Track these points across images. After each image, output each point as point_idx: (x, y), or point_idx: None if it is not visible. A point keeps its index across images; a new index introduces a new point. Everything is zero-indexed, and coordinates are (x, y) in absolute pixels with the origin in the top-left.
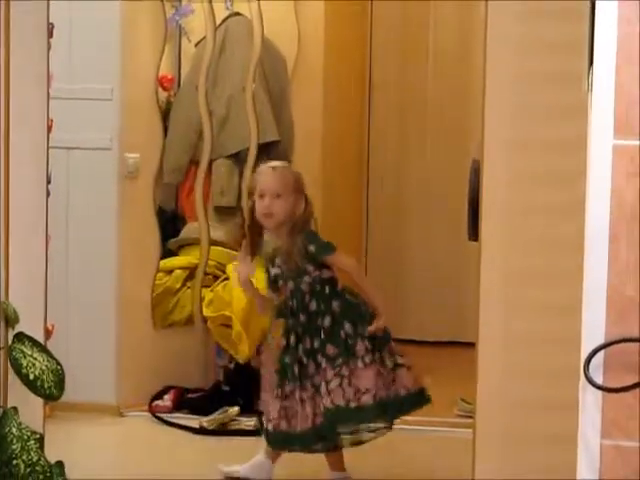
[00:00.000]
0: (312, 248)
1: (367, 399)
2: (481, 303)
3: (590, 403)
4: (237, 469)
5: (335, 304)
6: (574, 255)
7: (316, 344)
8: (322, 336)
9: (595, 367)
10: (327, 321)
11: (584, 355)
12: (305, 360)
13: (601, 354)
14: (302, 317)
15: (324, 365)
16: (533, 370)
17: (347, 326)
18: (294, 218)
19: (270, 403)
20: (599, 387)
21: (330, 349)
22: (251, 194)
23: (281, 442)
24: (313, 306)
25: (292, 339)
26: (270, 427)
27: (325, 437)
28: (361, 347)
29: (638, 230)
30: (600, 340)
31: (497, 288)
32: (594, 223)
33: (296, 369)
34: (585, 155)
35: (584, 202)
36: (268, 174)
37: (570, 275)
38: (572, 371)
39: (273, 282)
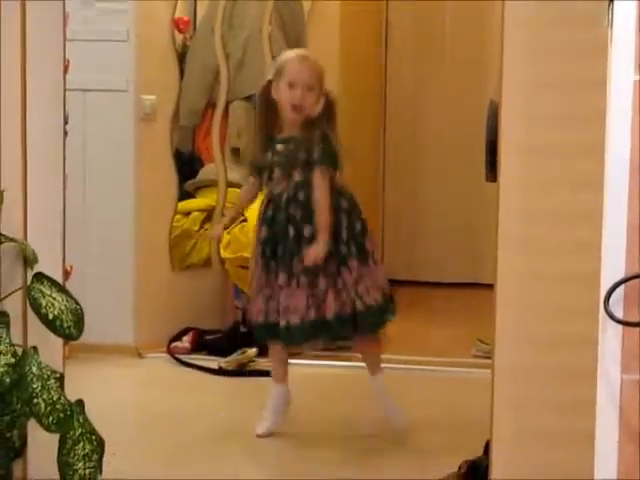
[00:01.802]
0: (316, 152)
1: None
2: (499, 243)
3: (610, 338)
4: (267, 425)
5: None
6: (593, 193)
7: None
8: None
9: (615, 302)
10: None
11: (604, 290)
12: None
13: (621, 289)
14: (294, 209)
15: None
16: (552, 308)
17: (344, 222)
18: (314, 113)
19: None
20: (619, 321)
21: (343, 249)
22: (271, 80)
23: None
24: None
25: (291, 230)
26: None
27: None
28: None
29: None
30: (620, 275)
31: (515, 228)
32: (614, 159)
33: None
34: (605, 94)
35: (604, 142)
36: (300, 63)
37: (589, 214)
38: (592, 308)
39: (282, 168)
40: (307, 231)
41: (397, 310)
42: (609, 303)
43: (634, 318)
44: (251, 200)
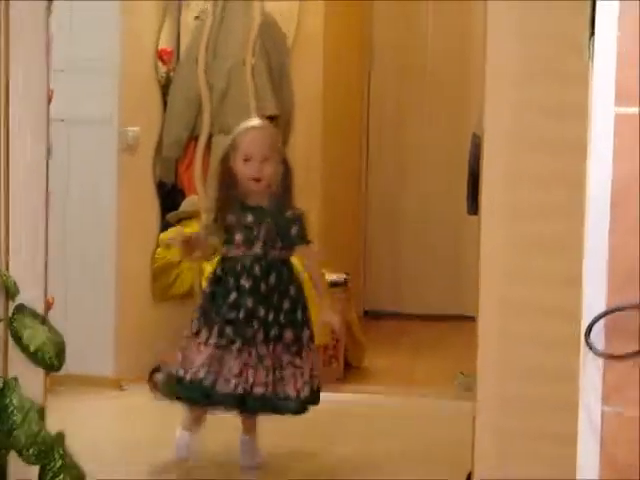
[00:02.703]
0: (294, 230)
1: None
2: (481, 274)
3: (591, 370)
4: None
5: (292, 288)
6: (575, 225)
7: (275, 320)
8: (281, 318)
9: (596, 335)
10: (286, 304)
11: (585, 322)
12: (256, 326)
13: (602, 322)
14: (262, 285)
15: (279, 348)
16: (534, 340)
17: (299, 313)
18: (276, 182)
19: (194, 348)
20: (600, 354)
21: (288, 334)
22: (227, 155)
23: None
24: (272, 281)
25: (250, 302)
26: (189, 377)
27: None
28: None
29: (639, 199)
30: (601, 308)
31: (497, 258)
32: (596, 190)
33: (244, 329)
34: (586, 124)
35: (586, 170)
36: (255, 135)
37: (571, 245)
38: (573, 341)
39: (244, 233)
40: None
41: (381, 341)
42: (590, 335)
43: (615, 351)
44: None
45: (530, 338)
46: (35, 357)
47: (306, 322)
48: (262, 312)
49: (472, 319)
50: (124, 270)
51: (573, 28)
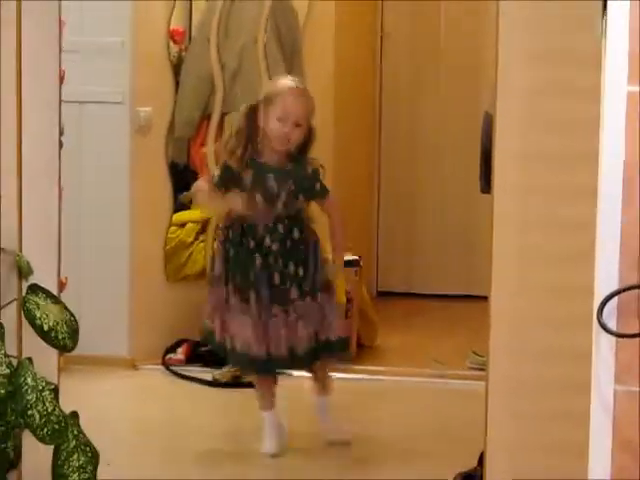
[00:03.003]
0: (318, 186)
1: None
2: (494, 254)
3: (603, 349)
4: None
5: (311, 242)
6: (588, 203)
7: (298, 271)
8: (301, 271)
9: (609, 313)
10: (311, 256)
11: (597, 301)
12: (288, 285)
13: (615, 300)
14: (288, 243)
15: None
16: (546, 319)
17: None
18: (299, 145)
19: (237, 318)
20: (612, 333)
21: (309, 284)
22: (256, 109)
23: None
24: (296, 234)
25: (271, 259)
26: (240, 348)
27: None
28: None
29: None
30: (614, 287)
31: (510, 238)
32: (608, 169)
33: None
34: (599, 104)
35: (598, 150)
36: (294, 98)
37: (585, 224)
38: (586, 319)
39: (265, 194)
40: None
41: (393, 321)
42: (602, 315)
43: (628, 330)
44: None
45: (542, 318)
46: (49, 337)
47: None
48: (292, 269)
49: (485, 299)
50: (137, 250)
51: (586, 8)
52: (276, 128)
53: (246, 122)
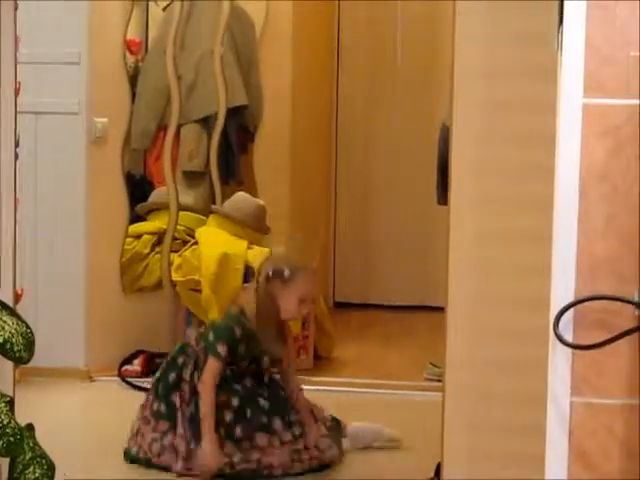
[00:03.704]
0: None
1: None
2: (450, 264)
3: (560, 361)
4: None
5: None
6: (544, 215)
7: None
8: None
9: (565, 325)
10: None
11: (554, 313)
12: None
13: (570, 312)
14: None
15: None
16: (503, 331)
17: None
18: None
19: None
20: (569, 345)
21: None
22: (274, 285)
23: None
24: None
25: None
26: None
27: None
28: None
29: (608, 189)
30: (570, 298)
31: (466, 249)
32: (564, 182)
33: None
34: (554, 117)
35: (554, 162)
36: (314, 278)
37: (540, 236)
38: (542, 331)
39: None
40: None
41: (350, 332)
42: (559, 326)
43: (584, 341)
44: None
45: (499, 329)
46: (4, 349)
47: None
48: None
49: (441, 310)
50: (93, 262)
51: (542, 21)
52: (295, 308)
53: (264, 298)
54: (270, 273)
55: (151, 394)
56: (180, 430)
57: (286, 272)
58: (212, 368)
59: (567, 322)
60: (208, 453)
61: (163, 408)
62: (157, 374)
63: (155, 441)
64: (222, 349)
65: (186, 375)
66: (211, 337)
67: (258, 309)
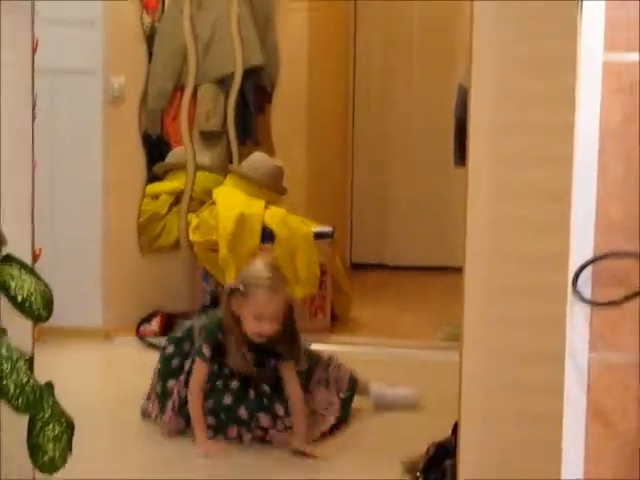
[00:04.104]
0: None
1: None
2: (468, 223)
3: (578, 318)
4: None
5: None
6: (563, 173)
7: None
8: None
9: (583, 282)
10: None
11: (572, 270)
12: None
13: (589, 269)
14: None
15: None
16: (520, 289)
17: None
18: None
19: None
20: (587, 301)
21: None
22: (233, 299)
23: None
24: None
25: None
26: None
27: None
28: None
29: (627, 146)
30: (588, 256)
31: (484, 207)
32: (584, 139)
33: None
34: (574, 75)
35: (573, 120)
36: (271, 295)
37: (559, 193)
38: (560, 289)
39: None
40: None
41: (367, 293)
42: (577, 283)
43: (602, 298)
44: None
45: (516, 287)
46: (23, 307)
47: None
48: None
49: (458, 270)
50: (111, 222)
51: None
52: (252, 325)
53: (225, 309)
54: (228, 290)
55: (155, 370)
56: (166, 418)
57: (241, 288)
58: (197, 369)
59: (585, 279)
60: (204, 453)
61: (159, 389)
62: (166, 350)
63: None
64: (207, 350)
65: (186, 366)
66: (199, 338)
67: (224, 324)
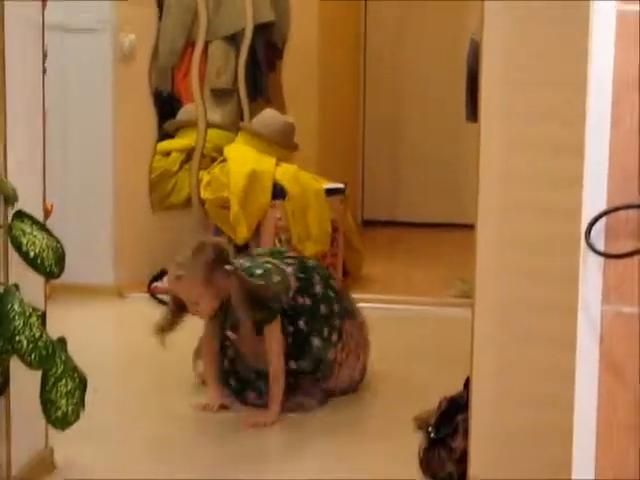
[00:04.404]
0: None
1: None
2: (480, 177)
3: (591, 270)
4: None
5: None
6: (576, 125)
7: None
8: None
9: (596, 234)
10: None
11: (585, 222)
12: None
13: (602, 221)
14: None
15: None
16: (533, 243)
17: None
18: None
19: None
20: (601, 253)
21: None
22: None
23: None
24: None
25: None
26: None
27: None
28: None
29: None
30: (602, 207)
31: (497, 161)
32: (596, 89)
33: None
34: (587, 27)
35: (586, 75)
36: (174, 284)
37: (572, 145)
38: (573, 241)
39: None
40: None
41: (379, 250)
42: (590, 235)
43: (615, 250)
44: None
45: (529, 241)
46: (35, 263)
47: None
48: None
49: (470, 227)
50: (122, 179)
51: None
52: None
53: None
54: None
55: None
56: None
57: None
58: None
59: (599, 231)
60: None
61: None
62: None
63: None
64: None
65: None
66: None
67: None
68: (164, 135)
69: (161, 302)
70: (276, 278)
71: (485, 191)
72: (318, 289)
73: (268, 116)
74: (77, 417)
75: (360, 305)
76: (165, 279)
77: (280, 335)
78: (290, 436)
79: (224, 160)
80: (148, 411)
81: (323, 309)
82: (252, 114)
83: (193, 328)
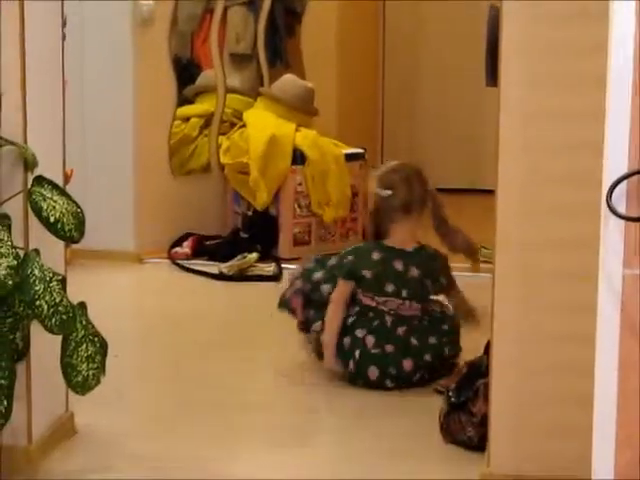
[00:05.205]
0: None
1: None
2: (500, 145)
3: (612, 234)
4: None
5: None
6: (596, 93)
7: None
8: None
9: (617, 199)
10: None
11: (606, 186)
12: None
13: (623, 186)
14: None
15: None
16: (554, 209)
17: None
18: None
19: None
20: (622, 216)
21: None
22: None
23: None
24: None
25: None
26: None
27: None
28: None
29: None
30: (622, 171)
31: (516, 128)
32: (617, 55)
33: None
34: None
35: (607, 41)
36: None
37: (592, 112)
38: (593, 207)
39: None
40: None
41: None
42: (611, 199)
43: (636, 214)
44: None
45: (550, 207)
46: (55, 228)
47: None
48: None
49: (490, 192)
50: (142, 144)
51: None
52: None
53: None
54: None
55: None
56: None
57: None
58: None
59: (620, 195)
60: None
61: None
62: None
63: None
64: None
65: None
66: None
67: None
68: (183, 101)
69: (181, 267)
70: None
71: (505, 159)
72: None
73: (287, 81)
74: (98, 382)
75: None
76: (184, 244)
77: None
78: None
79: (243, 125)
80: (168, 375)
81: None
82: (271, 79)
83: (214, 294)
